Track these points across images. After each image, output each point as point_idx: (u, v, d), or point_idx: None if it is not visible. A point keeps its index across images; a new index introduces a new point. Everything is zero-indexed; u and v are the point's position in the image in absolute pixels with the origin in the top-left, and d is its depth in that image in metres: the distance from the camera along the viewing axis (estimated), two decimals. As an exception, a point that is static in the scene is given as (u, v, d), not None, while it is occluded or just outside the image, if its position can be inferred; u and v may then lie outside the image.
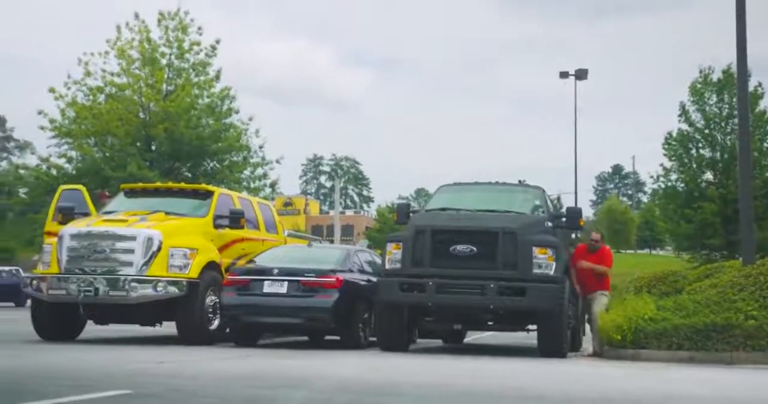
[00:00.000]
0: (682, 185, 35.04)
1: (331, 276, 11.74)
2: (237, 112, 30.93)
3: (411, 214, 12.35)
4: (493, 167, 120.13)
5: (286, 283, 11.64)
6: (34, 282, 11.82)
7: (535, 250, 10.92)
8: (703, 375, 8.81)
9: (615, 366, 9.91)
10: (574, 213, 12.43)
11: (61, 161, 29.97)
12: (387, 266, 11.41)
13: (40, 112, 29.10)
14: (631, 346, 10.93)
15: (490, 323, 12.14)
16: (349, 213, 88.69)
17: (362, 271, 12.80)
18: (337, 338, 12.57)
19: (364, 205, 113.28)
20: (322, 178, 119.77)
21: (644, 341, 10.85)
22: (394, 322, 11.52)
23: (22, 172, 31.55)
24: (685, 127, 34.53)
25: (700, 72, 34.18)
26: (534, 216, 12.08)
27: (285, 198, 74.36)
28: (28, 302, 13.69)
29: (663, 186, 36.05)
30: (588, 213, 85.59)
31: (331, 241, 39.99)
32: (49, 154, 30.05)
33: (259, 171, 31.14)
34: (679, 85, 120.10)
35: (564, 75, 40.07)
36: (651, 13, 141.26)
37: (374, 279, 12.09)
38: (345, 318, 11.80)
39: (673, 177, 35.24)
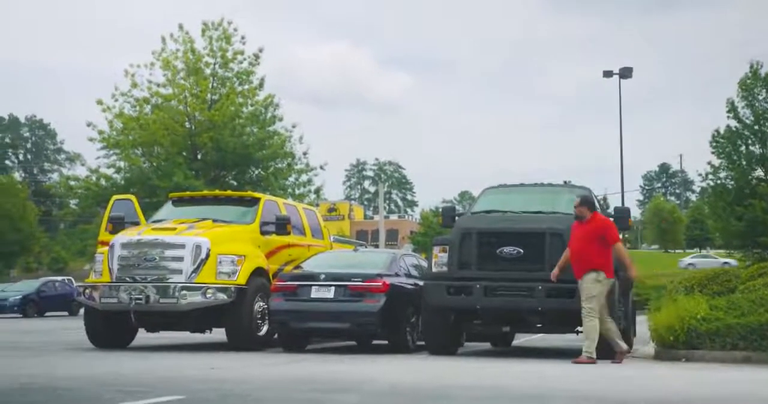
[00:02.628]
0: (732, 183, 34.38)
1: (378, 280, 11.75)
2: (281, 120, 31.24)
3: (456, 217, 12.31)
4: (537, 168, 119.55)
5: (333, 288, 11.69)
6: (87, 291, 12.03)
7: (583, 251, 10.78)
8: (761, 375, 8.63)
9: (668, 367, 9.76)
10: (622, 212, 12.27)
11: (110, 172, 30.59)
12: (433, 269, 11.38)
13: (89, 124, 29.74)
14: (683, 347, 10.74)
15: (538, 325, 12.03)
16: (393, 217, 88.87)
17: (408, 275, 12.79)
18: (385, 342, 12.57)
19: (408, 209, 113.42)
20: (366, 183, 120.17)
21: (697, 341, 10.66)
22: (441, 326, 11.49)
23: (72, 183, 32.16)
24: (733, 123, 33.90)
25: (750, 67, 33.54)
26: (581, 217, 11.92)
27: (329, 204, 74.73)
28: (81, 311, 13.95)
29: (712, 184, 35.41)
30: (635, 213, 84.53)
31: (376, 246, 40.04)
32: (98, 165, 30.70)
33: (304, 177, 31.41)
34: (727, 81, 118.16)
35: (608, 74, 39.65)
36: (697, 7, 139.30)
37: (420, 283, 12.07)
38: (392, 322, 11.80)
39: (722, 174, 34.58)
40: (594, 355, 10.12)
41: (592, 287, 10.16)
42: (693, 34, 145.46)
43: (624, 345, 10.52)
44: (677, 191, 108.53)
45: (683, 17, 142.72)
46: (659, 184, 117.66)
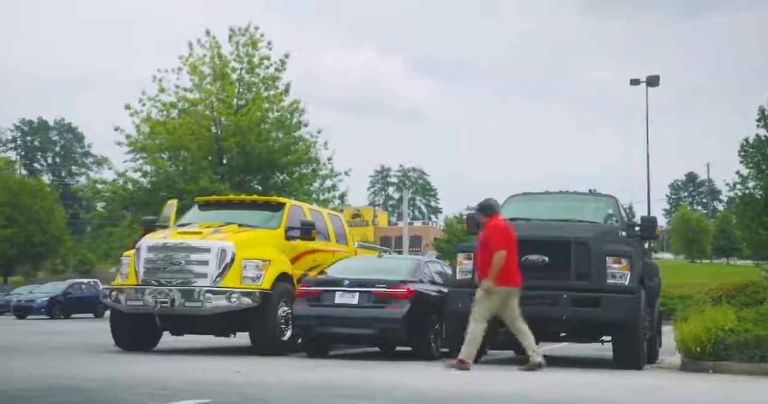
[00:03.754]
0: (760, 193, 34.04)
1: (402, 286, 11.74)
2: (306, 125, 31.35)
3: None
4: (563, 176, 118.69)
5: (357, 294, 11.69)
6: (113, 293, 12.14)
7: (609, 260, 10.73)
8: (789, 388, 8.51)
9: (695, 378, 9.66)
10: (649, 222, 12.18)
11: (137, 175, 30.80)
12: (458, 276, 11.35)
13: (116, 128, 30.01)
14: (710, 358, 10.62)
15: (563, 334, 11.97)
16: (417, 224, 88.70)
17: (433, 282, 12.77)
18: (409, 349, 12.55)
19: (432, 216, 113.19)
20: (390, 189, 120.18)
21: (725, 353, 10.54)
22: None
23: (99, 186, 32.46)
24: (763, 132, 33.59)
25: (781, 75, 33.23)
26: (607, 226, 11.88)
27: (353, 209, 74.83)
28: (107, 313, 14.05)
29: (740, 193, 35.08)
30: (662, 222, 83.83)
31: (400, 252, 40.01)
32: (125, 169, 30.94)
33: (328, 183, 31.47)
34: (757, 89, 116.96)
35: (635, 82, 39.34)
36: (727, 14, 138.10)
37: (444, 289, 12.05)
38: (416, 329, 11.78)
39: (751, 184, 34.28)
40: (466, 359, 9.89)
41: (481, 293, 10.08)
42: (722, 41, 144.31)
43: (469, 358, 9.92)
44: (704, 200, 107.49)
45: (712, 24, 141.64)
46: (686, 193, 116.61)
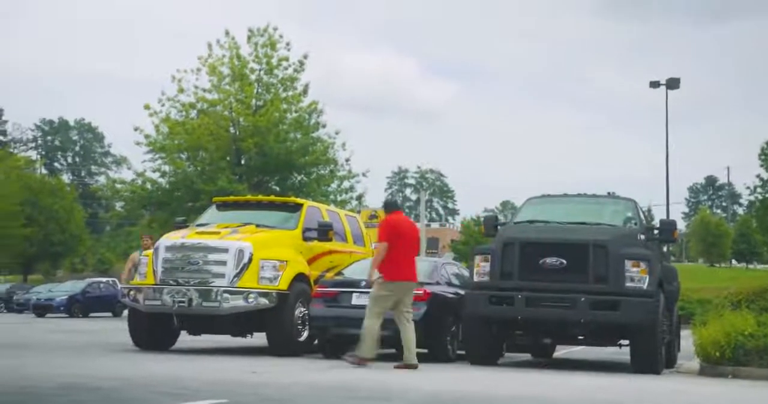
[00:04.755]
0: (781, 196, 33.76)
1: (419, 288, 11.71)
2: (324, 126, 31.39)
3: (498, 227, 12.25)
4: (581, 178, 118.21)
5: (376, 296, 11.65)
6: (131, 292, 12.20)
7: (628, 263, 10.67)
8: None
9: (713, 383, 9.58)
10: (668, 225, 12.10)
11: (155, 175, 30.95)
12: (475, 279, 11.33)
13: (136, 129, 30.17)
14: (729, 363, 10.55)
15: (580, 337, 11.92)
16: (435, 226, 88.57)
17: (450, 284, 12.74)
18: (425, 351, 12.53)
19: (449, 218, 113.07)
20: (407, 191, 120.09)
21: (744, 358, 10.46)
22: (482, 336, 11.42)
23: (118, 186, 32.65)
24: (783, 136, 33.28)
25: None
26: (626, 229, 11.82)
27: (371, 210, 74.81)
28: (125, 312, 14.14)
29: (760, 197, 34.82)
30: (681, 225, 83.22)
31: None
32: (144, 169, 31.09)
33: (346, 184, 31.49)
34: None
35: (654, 84, 39.18)
36: (748, 17, 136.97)
37: (461, 292, 12.02)
38: (433, 331, 11.76)
39: (771, 188, 34.01)
40: (365, 356, 9.93)
41: (373, 289, 10.26)
42: (743, 44, 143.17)
43: (368, 355, 9.97)
44: (724, 204, 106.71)
45: (733, 27, 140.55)
46: (705, 197, 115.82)
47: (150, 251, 12.66)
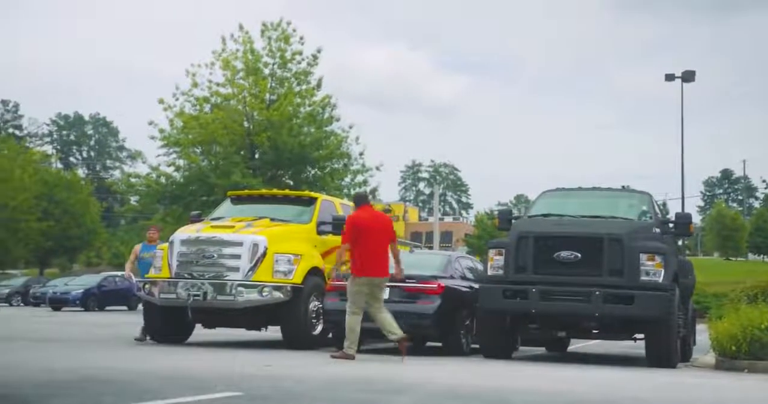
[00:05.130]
0: (798, 190, 33.48)
1: (433, 282, 11.73)
2: (338, 120, 31.40)
3: (513, 220, 12.22)
4: (595, 172, 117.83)
5: (387, 289, 11.67)
6: (147, 286, 12.26)
7: (643, 257, 10.63)
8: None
9: (729, 377, 9.54)
10: (684, 218, 12.04)
11: (170, 169, 31.06)
12: (489, 272, 11.32)
13: (150, 123, 30.29)
14: (745, 357, 10.50)
15: (595, 331, 11.89)
16: (448, 219, 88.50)
17: (464, 278, 12.74)
18: (439, 345, 12.54)
19: (463, 212, 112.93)
20: (421, 185, 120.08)
21: (761, 352, 10.40)
22: (496, 329, 11.42)
23: (133, 180, 32.79)
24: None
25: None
26: (641, 222, 11.77)
27: (384, 205, 74.76)
28: (140, 306, 14.20)
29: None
30: (696, 219, 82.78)
31: (431, 248, 39.97)
32: (158, 163, 31.21)
33: (359, 178, 31.51)
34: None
35: (670, 77, 38.89)
36: (763, 9, 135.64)
37: (475, 285, 12.01)
38: (447, 324, 11.76)
39: (788, 181, 33.72)
40: (348, 353, 9.95)
41: (347, 286, 10.35)
42: (757, 37, 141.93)
43: (351, 350, 10.00)
44: (739, 197, 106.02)
45: (748, 20, 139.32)
46: (720, 190, 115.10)
47: (162, 244, 12.72)
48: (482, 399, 6.40)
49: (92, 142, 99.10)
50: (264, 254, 11.76)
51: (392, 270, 10.46)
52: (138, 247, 14.08)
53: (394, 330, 10.16)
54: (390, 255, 10.41)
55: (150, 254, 13.26)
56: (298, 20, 49.59)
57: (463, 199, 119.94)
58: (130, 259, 14.00)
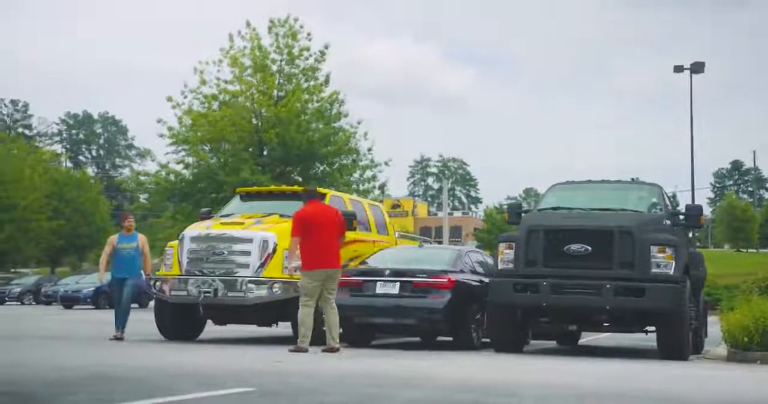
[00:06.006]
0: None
1: (443, 276, 11.72)
2: (346, 116, 31.37)
3: (522, 214, 12.20)
4: (605, 165, 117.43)
5: (398, 284, 11.69)
6: (158, 283, 12.29)
7: (654, 249, 10.59)
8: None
9: (742, 369, 9.50)
10: (694, 210, 12.00)
11: (179, 167, 31.09)
12: (499, 266, 11.30)
13: (159, 121, 30.32)
14: (758, 348, 10.46)
15: (606, 324, 11.86)
16: (457, 214, 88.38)
17: (474, 272, 12.72)
18: (450, 339, 12.53)
19: (472, 206, 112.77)
20: (430, 180, 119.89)
21: (773, 343, 10.36)
22: (507, 323, 11.40)
23: (142, 178, 32.86)
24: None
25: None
26: (651, 215, 11.73)
27: (393, 200, 74.79)
28: (150, 303, 14.21)
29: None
30: (706, 211, 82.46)
31: (440, 243, 39.93)
32: (167, 161, 31.23)
33: (368, 173, 31.48)
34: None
35: (679, 69, 38.72)
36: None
37: (486, 279, 12.00)
38: (457, 318, 11.76)
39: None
40: (301, 346, 10.03)
41: (300, 281, 10.47)
42: (767, 27, 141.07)
43: (302, 341, 10.07)
44: (750, 189, 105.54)
45: (757, 10, 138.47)
46: (731, 182, 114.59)
47: (173, 242, 12.72)
48: (493, 393, 6.39)
49: (101, 141, 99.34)
50: (274, 250, 11.77)
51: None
52: (114, 238, 12.75)
53: (334, 337, 10.22)
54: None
55: (128, 245, 12.53)
56: (303, 15, 49.70)
57: (472, 194, 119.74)
58: (106, 251, 12.70)
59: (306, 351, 10.02)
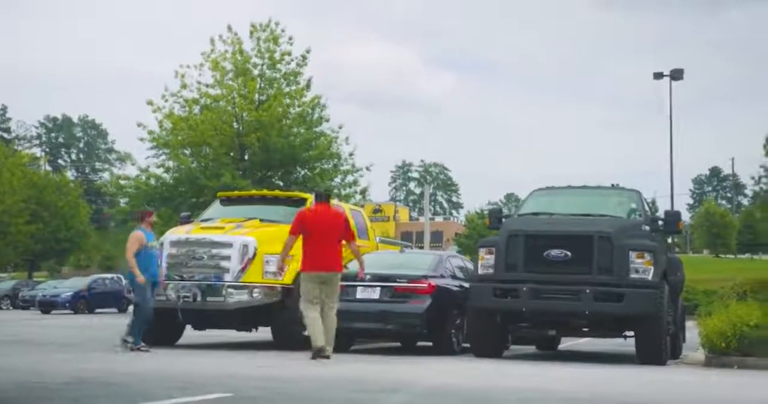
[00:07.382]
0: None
1: (424, 281, 11.73)
2: (327, 121, 31.36)
3: (503, 219, 12.25)
4: (584, 171, 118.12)
5: (378, 289, 11.70)
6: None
7: (632, 255, 10.67)
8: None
9: (719, 374, 9.58)
10: (673, 216, 12.11)
11: (159, 171, 30.91)
12: (479, 271, 11.33)
13: (139, 125, 30.16)
14: (735, 354, 10.55)
15: (585, 329, 11.92)
16: (439, 219, 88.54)
17: (454, 277, 12.75)
18: (430, 344, 12.54)
19: (453, 211, 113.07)
20: (411, 185, 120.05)
21: (749, 348, 10.46)
22: (487, 328, 11.43)
23: (122, 182, 32.65)
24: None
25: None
26: (630, 220, 11.81)
27: (374, 204, 74.76)
28: (130, 308, 14.10)
29: (764, 188, 34.70)
30: (685, 217, 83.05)
31: (421, 248, 39.95)
32: (147, 165, 31.06)
33: (350, 178, 31.47)
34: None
35: (658, 76, 39.08)
36: (749, 6, 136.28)
37: (466, 284, 12.03)
38: (437, 324, 11.77)
39: (776, 178, 33.89)
40: (317, 345, 9.91)
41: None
42: (746, 33, 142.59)
43: (319, 343, 9.96)
44: (728, 195, 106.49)
45: (735, 17, 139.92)
46: (710, 188, 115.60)
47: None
48: (473, 398, 6.41)
49: (81, 145, 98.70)
50: (254, 255, 11.75)
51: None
52: (142, 236, 11.15)
53: (328, 343, 10.15)
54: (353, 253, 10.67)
55: (155, 244, 11.45)
56: (284, 18, 49.65)
57: (454, 199, 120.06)
58: (135, 250, 10.99)
59: (325, 352, 9.86)
